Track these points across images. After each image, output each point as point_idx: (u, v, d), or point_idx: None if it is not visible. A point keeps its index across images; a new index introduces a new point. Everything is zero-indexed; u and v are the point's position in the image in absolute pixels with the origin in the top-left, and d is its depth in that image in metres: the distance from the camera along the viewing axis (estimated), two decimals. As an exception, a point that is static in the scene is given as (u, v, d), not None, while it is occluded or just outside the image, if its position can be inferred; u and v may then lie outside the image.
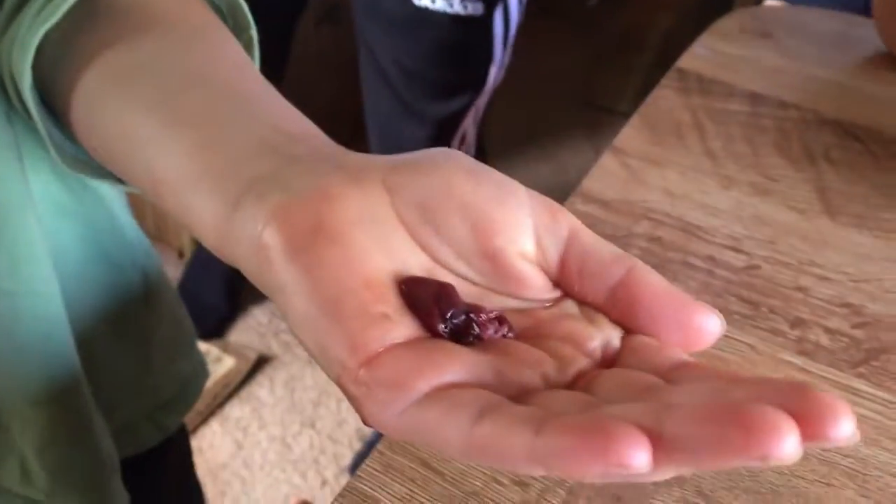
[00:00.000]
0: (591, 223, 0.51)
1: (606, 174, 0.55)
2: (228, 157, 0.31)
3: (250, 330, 1.67)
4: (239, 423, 1.53)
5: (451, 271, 0.28)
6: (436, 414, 0.24)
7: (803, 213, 0.52)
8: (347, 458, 1.49)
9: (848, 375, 0.43)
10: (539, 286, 0.29)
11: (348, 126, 1.34)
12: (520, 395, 0.25)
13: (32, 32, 0.36)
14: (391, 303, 0.27)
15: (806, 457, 0.40)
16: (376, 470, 0.39)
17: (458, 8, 1.07)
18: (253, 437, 1.52)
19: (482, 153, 1.37)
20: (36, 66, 0.37)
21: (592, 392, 0.25)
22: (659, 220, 0.52)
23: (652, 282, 0.28)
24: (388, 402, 0.24)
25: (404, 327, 0.26)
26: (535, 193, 0.29)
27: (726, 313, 0.46)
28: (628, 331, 0.28)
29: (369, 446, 1.56)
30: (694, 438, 0.20)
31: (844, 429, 0.20)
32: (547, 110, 2.14)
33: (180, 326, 0.63)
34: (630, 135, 0.58)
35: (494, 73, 1.21)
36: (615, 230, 0.51)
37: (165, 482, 0.67)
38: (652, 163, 0.56)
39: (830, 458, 0.40)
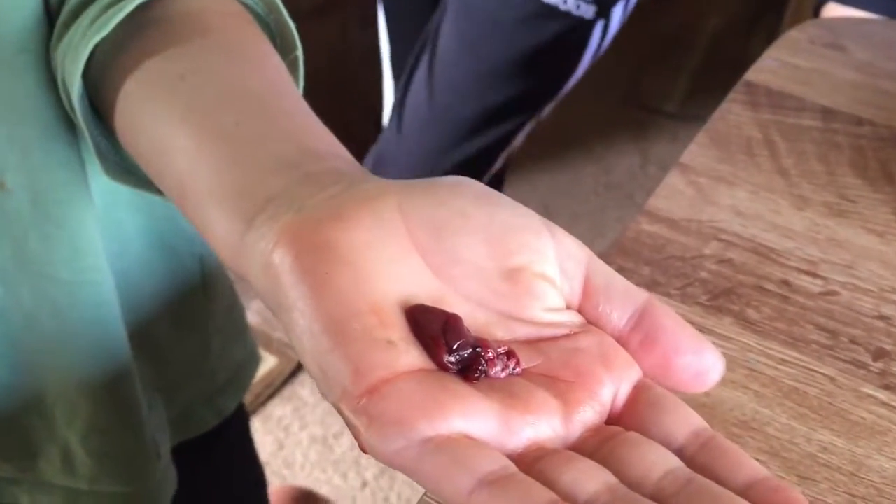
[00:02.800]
0: (658, 243, 0.50)
1: (674, 192, 0.54)
2: (248, 174, 0.31)
3: (293, 329, 1.68)
4: (281, 423, 1.53)
5: (464, 295, 0.28)
6: (436, 467, 0.23)
7: (882, 237, 0.50)
8: (388, 460, 1.49)
9: (934, 412, 0.42)
10: (558, 308, 0.28)
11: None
12: (528, 451, 0.25)
13: (85, 42, 0.37)
14: (397, 330, 0.26)
15: None
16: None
17: (570, 6, 1.06)
18: (294, 437, 1.52)
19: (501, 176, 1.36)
20: (87, 74, 0.38)
21: (609, 461, 0.25)
22: (729, 242, 0.50)
23: (670, 313, 0.28)
24: (388, 439, 0.24)
25: (410, 356, 0.26)
26: (549, 222, 0.29)
27: (804, 342, 0.45)
28: (644, 363, 0.28)
29: None
30: None
31: None
32: (592, 110, 2.12)
33: (235, 312, 0.64)
34: (697, 151, 0.57)
35: (570, 85, 1.20)
36: (684, 251, 0.50)
37: (224, 463, 0.67)
38: (721, 181, 0.54)
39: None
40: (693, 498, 0.23)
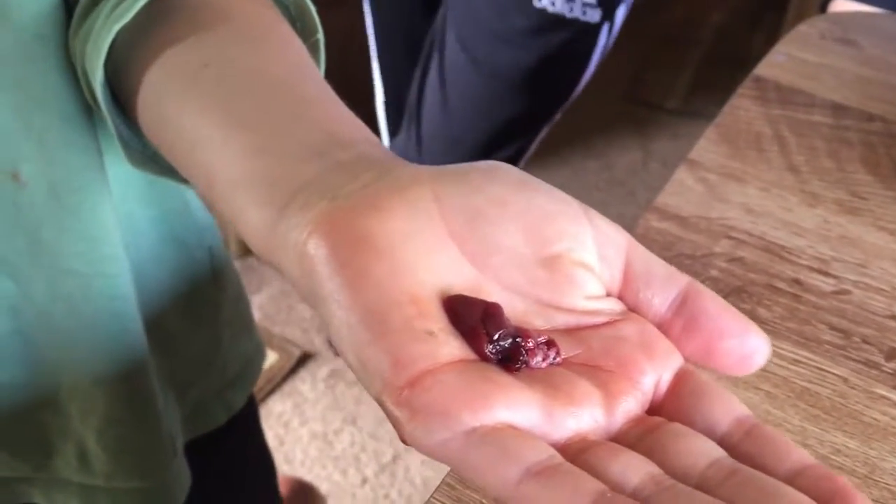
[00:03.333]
0: (668, 241, 0.49)
1: (683, 189, 0.53)
2: (278, 162, 0.30)
3: (293, 325, 1.67)
4: (281, 419, 1.53)
5: (501, 283, 0.27)
6: (482, 457, 0.23)
7: (894, 234, 0.50)
8: (388, 456, 1.49)
9: (949, 413, 0.41)
10: (598, 296, 0.28)
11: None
12: (572, 442, 0.24)
13: (105, 30, 0.37)
14: (437, 320, 0.26)
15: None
16: None
17: (577, 13, 1.06)
18: (294, 433, 1.51)
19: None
20: (107, 62, 0.38)
21: (653, 452, 0.24)
22: (740, 240, 0.49)
23: (714, 296, 0.28)
24: (431, 430, 0.23)
25: (450, 347, 0.25)
26: (587, 206, 0.29)
27: (816, 342, 0.44)
28: (687, 348, 0.27)
29: None
30: None
31: None
32: (594, 107, 2.11)
33: (242, 303, 0.63)
34: (706, 147, 0.56)
35: (581, 86, 1.20)
36: (694, 249, 0.49)
37: (235, 458, 0.67)
38: (731, 177, 0.54)
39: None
40: (739, 488, 0.22)
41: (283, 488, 1.32)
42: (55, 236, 0.44)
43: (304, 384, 1.58)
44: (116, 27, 0.36)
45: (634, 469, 0.23)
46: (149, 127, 0.37)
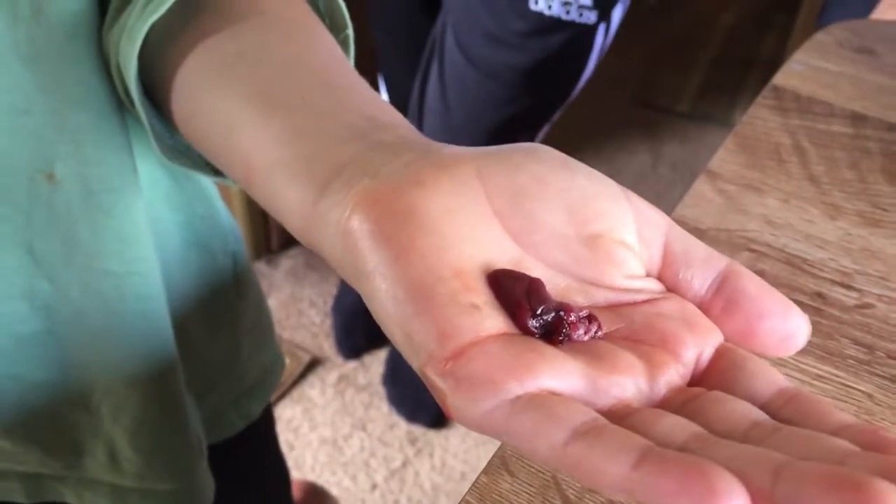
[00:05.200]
0: (688, 253, 0.49)
1: (702, 200, 0.52)
2: (318, 143, 0.31)
3: (303, 330, 1.67)
4: (290, 424, 1.52)
5: (543, 261, 0.28)
6: (529, 423, 0.23)
7: (917, 247, 0.49)
8: (398, 462, 1.48)
9: (976, 430, 0.40)
10: (637, 276, 0.28)
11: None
12: (615, 409, 0.25)
13: (140, 24, 0.37)
14: (481, 294, 0.26)
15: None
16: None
17: (573, 15, 1.07)
18: (304, 438, 1.51)
19: None
20: (140, 56, 0.38)
21: (695, 416, 0.24)
22: (761, 252, 0.49)
23: (753, 277, 0.28)
24: (476, 399, 0.24)
25: (494, 320, 0.26)
26: (627, 189, 0.29)
27: (840, 357, 0.43)
28: (727, 328, 0.27)
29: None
30: (807, 502, 0.20)
31: None
32: (603, 111, 2.10)
33: (263, 314, 0.64)
34: (725, 158, 0.55)
35: (580, 87, 1.20)
36: (714, 262, 0.48)
37: (251, 466, 0.67)
38: (750, 188, 0.53)
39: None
40: (783, 440, 0.23)
41: (296, 492, 1.32)
42: (90, 236, 0.44)
43: (314, 389, 1.58)
44: (151, 20, 0.37)
45: (680, 429, 0.23)
46: (183, 118, 0.38)
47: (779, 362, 0.43)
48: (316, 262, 1.77)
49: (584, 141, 2.03)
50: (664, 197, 1.89)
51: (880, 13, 0.74)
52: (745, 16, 2.45)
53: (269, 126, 0.32)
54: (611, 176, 0.30)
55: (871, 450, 0.22)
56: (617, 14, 1.13)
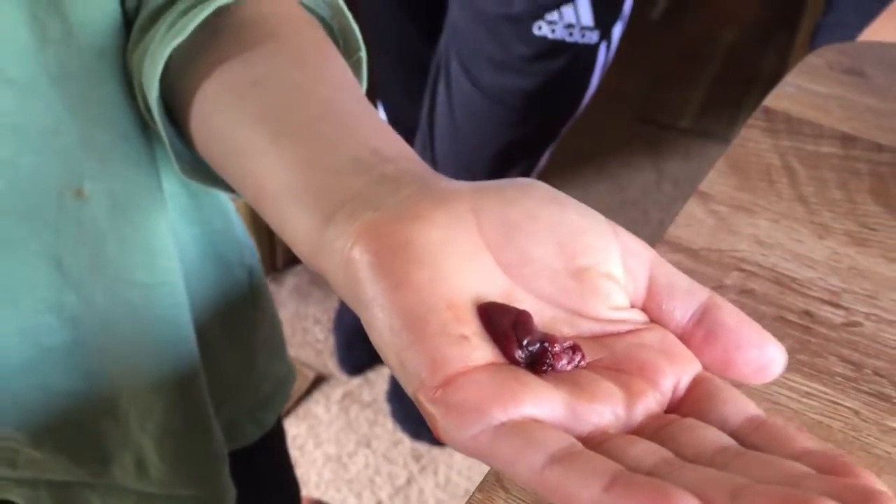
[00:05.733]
0: (679, 273, 0.50)
1: (693, 221, 0.53)
2: (325, 174, 0.32)
3: (307, 347, 1.68)
4: (295, 441, 1.53)
5: (532, 292, 0.29)
6: (510, 448, 0.25)
7: (904, 266, 0.50)
8: (402, 479, 1.49)
9: (960, 446, 0.41)
10: (622, 307, 0.30)
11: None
12: (593, 435, 0.26)
13: (163, 46, 0.39)
14: (471, 325, 0.28)
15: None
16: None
17: (576, 37, 1.09)
18: (309, 455, 1.52)
19: None
20: (163, 77, 0.40)
21: (666, 442, 0.26)
22: (751, 272, 0.50)
23: (732, 309, 0.30)
24: (463, 425, 0.26)
25: (482, 351, 0.27)
26: (614, 223, 0.31)
27: (827, 374, 0.44)
28: (706, 358, 0.29)
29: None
30: None
31: None
32: (605, 127, 2.12)
33: (277, 327, 0.65)
34: (716, 179, 0.56)
35: (585, 104, 1.22)
36: (705, 281, 0.49)
37: (262, 476, 0.69)
38: (741, 209, 0.54)
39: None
40: (746, 464, 0.24)
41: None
42: (118, 249, 0.46)
43: (318, 406, 1.59)
44: (173, 44, 0.38)
45: (650, 454, 0.25)
46: (200, 138, 0.39)
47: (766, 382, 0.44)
48: (320, 280, 1.78)
49: (587, 157, 2.04)
50: (670, 212, 1.90)
51: (869, 34, 0.75)
52: (746, 34, 2.47)
53: (279, 154, 0.34)
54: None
55: (828, 473, 0.23)
56: (617, 31, 1.15)
